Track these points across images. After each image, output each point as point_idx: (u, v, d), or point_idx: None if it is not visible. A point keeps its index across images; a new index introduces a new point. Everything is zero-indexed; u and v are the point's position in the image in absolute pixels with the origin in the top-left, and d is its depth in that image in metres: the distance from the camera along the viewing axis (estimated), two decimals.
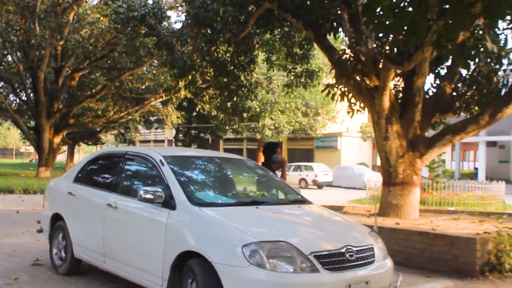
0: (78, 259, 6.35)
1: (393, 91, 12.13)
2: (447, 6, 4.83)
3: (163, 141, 62.33)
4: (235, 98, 20.48)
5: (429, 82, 11.99)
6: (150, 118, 38.95)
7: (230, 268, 4.09)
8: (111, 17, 19.95)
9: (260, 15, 14.07)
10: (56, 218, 6.83)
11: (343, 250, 4.32)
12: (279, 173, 8.06)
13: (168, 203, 4.90)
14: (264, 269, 3.99)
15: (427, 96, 11.79)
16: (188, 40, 18.80)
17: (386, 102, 10.48)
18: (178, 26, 21.72)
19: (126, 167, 5.99)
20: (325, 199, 22.10)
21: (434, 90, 11.93)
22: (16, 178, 27.09)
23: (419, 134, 10.89)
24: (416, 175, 10.73)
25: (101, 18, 24.29)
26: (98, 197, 5.99)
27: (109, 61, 25.60)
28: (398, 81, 12.56)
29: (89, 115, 29.98)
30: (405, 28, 4.90)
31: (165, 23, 21.87)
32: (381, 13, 4.93)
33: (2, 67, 27.56)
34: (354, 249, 4.41)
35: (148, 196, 4.91)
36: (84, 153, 78.20)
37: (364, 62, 10.55)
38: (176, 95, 26.30)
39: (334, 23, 12.36)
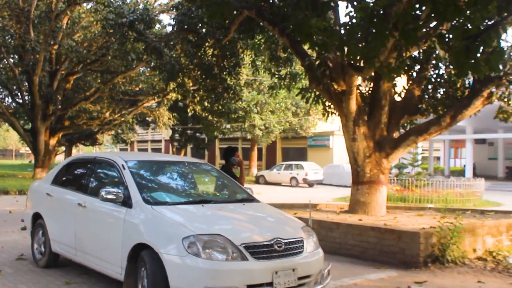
0: (55, 253, 7.07)
1: (364, 94, 12.80)
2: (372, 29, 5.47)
3: (160, 141, 63.06)
4: (221, 101, 21.15)
5: (402, 85, 12.54)
6: (147, 118, 39.56)
7: (173, 257, 4.79)
8: (101, 23, 20.58)
9: (242, 21, 14.59)
10: (37, 217, 7.56)
11: (272, 242, 5.00)
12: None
13: (126, 202, 5.61)
14: (200, 258, 4.70)
15: (399, 98, 12.39)
16: (176, 45, 19.46)
17: (353, 106, 11.10)
18: (170, 29, 22.25)
19: (94, 170, 6.74)
20: (311, 197, 22.62)
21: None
22: (13, 179, 27.77)
23: (385, 135, 11.49)
24: (383, 174, 11.34)
25: (94, 22, 24.88)
26: (71, 197, 6.73)
27: (101, 65, 26.23)
28: (367, 85, 13.19)
29: (84, 117, 30.63)
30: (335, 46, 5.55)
31: (157, 26, 22.54)
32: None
33: None
34: (283, 241, 5.09)
35: (109, 196, 5.63)
36: (83, 152, 78.88)
37: (331, 68, 11.20)
38: (167, 97, 26.96)
39: None
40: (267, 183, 35.00)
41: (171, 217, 5.22)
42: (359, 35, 5.73)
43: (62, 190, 7.09)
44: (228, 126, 37.18)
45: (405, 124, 12.82)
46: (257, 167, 43.01)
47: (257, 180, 36.10)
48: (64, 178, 7.38)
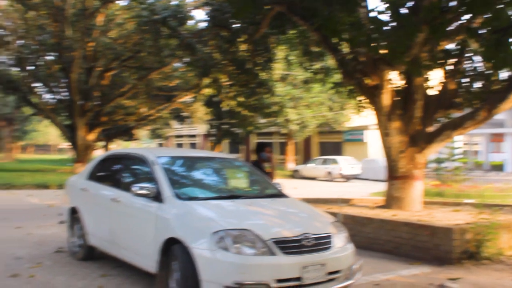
0: (91, 246, 7.26)
1: (397, 88, 12.64)
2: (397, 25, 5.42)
3: (195, 136, 63.52)
4: (255, 95, 21.21)
5: (437, 79, 12.35)
6: (182, 114, 39.90)
7: (202, 252, 4.86)
8: (135, 20, 20.86)
9: (274, 16, 14.57)
10: (74, 211, 7.77)
11: (300, 237, 5.02)
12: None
13: (158, 197, 5.71)
14: (229, 252, 4.76)
15: (435, 92, 12.21)
16: (208, 41, 19.58)
17: (386, 100, 11.01)
18: (203, 25, 22.36)
19: (127, 166, 6.89)
20: (347, 191, 22.61)
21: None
22: (53, 174, 28.46)
23: (420, 130, 11.34)
24: (417, 169, 11.20)
25: (128, 19, 25.19)
26: (105, 192, 6.89)
27: (136, 61, 26.56)
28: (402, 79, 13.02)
29: (121, 113, 31.06)
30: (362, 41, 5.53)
31: (190, 22, 22.69)
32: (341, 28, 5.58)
33: (38, 69, 28.86)
34: (312, 236, 5.11)
35: (141, 191, 5.75)
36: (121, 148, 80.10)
37: (363, 62, 11.13)
38: (201, 92, 27.16)
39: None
40: (303, 177, 34.93)
41: (201, 212, 5.30)
42: (386, 30, 5.69)
43: (97, 185, 7.26)
44: (264, 120, 37.18)
45: (440, 119, 12.63)
46: (293, 162, 42.93)
47: (293, 175, 36.08)
48: (98, 174, 7.55)
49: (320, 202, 12.37)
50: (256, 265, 4.73)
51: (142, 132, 54.70)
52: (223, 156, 7.53)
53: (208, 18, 18.63)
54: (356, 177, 33.29)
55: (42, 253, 7.98)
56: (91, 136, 28.17)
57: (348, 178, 32.81)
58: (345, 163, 33.15)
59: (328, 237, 5.31)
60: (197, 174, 6.75)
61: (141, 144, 75.19)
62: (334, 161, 33.65)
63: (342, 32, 5.84)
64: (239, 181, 7.02)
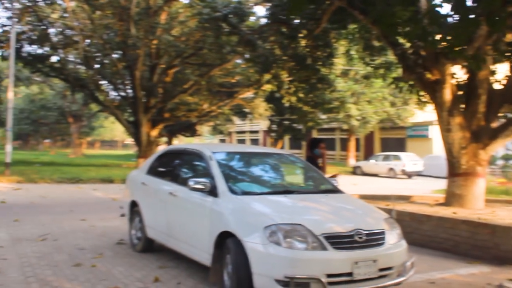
0: (150, 238, 7.49)
1: (459, 82, 12.32)
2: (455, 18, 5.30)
3: (258, 131, 63.90)
4: (315, 91, 21.18)
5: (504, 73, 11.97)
6: (244, 110, 40.22)
7: (255, 245, 4.94)
8: (197, 17, 21.22)
9: (334, 11, 14.50)
10: (134, 204, 8.04)
11: (352, 233, 5.02)
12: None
13: (213, 192, 5.84)
14: (281, 247, 4.81)
15: (500, 87, 11.85)
16: (269, 37, 19.70)
17: (447, 95, 10.78)
18: (264, 21, 22.49)
19: (184, 161, 7.08)
20: (409, 188, 22.25)
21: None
22: (117, 168, 29.37)
23: (483, 125, 11.04)
24: (480, 166, 10.92)
25: (191, 17, 25.61)
26: (163, 186, 7.09)
27: (198, 58, 26.96)
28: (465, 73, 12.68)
29: (183, 109, 31.61)
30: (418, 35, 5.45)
31: (251, 18, 22.89)
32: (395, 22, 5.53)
33: (104, 67, 29.80)
34: (364, 232, 5.10)
35: (197, 186, 5.89)
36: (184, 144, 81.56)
37: (424, 56, 10.92)
38: (262, 88, 27.31)
39: None
40: (364, 174, 34.56)
41: (254, 207, 5.38)
42: (445, 24, 5.58)
43: (156, 180, 7.47)
44: (324, 116, 37.00)
45: (506, 114, 12.23)
46: (354, 158, 42.50)
47: (354, 171, 35.74)
48: (157, 168, 7.77)
49: (378, 199, 12.25)
50: (307, 259, 4.77)
51: (204, 128, 55.43)
52: (278, 151, 7.59)
53: (268, 14, 18.76)
54: (418, 174, 32.61)
55: (104, 244, 8.31)
56: (154, 132, 28.82)
57: (410, 175, 32.19)
58: (407, 160, 32.54)
59: (381, 233, 5.28)
60: (252, 170, 6.85)
61: (204, 140, 76.31)
62: (397, 158, 33.10)
63: (398, 26, 5.77)
64: (294, 177, 7.06)
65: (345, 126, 38.80)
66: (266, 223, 4.97)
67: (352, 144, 42.30)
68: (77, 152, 52.57)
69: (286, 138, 50.64)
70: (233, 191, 5.72)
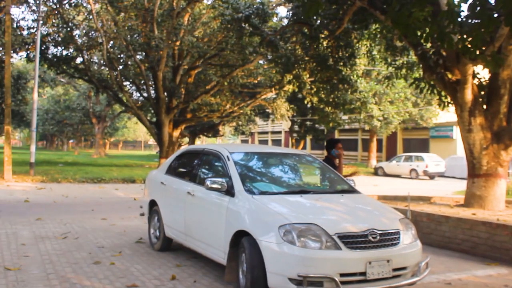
0: (168, 237, 7.58)
1: (481, 83, 12.19)
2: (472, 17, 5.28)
3: (280, 132, 63.94)
4: (336, 92, 21.14)
5: None
6: (267, 110, 40.29)
7: (269, 244, 5.00)
8: (219, 18, 21.35)
9: (355, 12, 14.49)
10: (153, 204, 8.15)
11: (366, 233, 5.05)
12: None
13: (229, 191, 5.92)
14: (295, 246, 4.87)
15: None
16: (291, 38, 19.72)
17: (468, 95, 10.70)
18: (286, 22, 22.53)
19: (202, 161, 7.16)
20: (430, 189, 22.08)
21: None
22: (139, 169, 29.69)
23: (504, 126, 10.93)
24: (501, 167, 10.82)
25: (213, 18, 25.78)
26: (181, 186, 7.19)
27: (220, 59, 27.09)
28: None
29: (205, 110, 31.78)
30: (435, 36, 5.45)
31: (274, 19, 22.95)
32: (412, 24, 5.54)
33: (128, 68, 30.14)
34: (378, 232, 5.12)
35: (214, 185, 5.98)
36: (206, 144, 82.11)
37: (445, 56, 10.85)
38: (283, 89, 27.34)
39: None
40: (386, 174, 34.37)
41: (269, 206, 5.42)
42: (462, 24, 5.56)
43: (174, 180, 7.57)
44: (345, 117, 36.89)
45: None
46: (376, 159, 42.27)
47: (375, 172, 35.57)
48: (176, 168, 7.88)
49: (399, 200, 12.23)
50: (321, 258, 4.81)
51: (227, 129, 55.66)
52: (295, 152, 7.62)
53: (290, 15, 18.80)
54: (441, 175, 32.32)
55: (124, 243, 8.43)
56: (176, 133, 29.05)
57: (432, 176, 31.95)
58: (430, 161, 32.27)
59: (395, 233, 5.29)
60: (269, 170, 6.90)
61: (226, 140, 76.65)
62: (419, 158, 32.87)
63: (414, 27, 5.78)
64: (310, 177, 7.09)
65: (367, 127, 38.59)
66: (281, 222, 5.03)
67: (373, 145, 42.06)
68: (100, 153, 53.18)
69: (308, 139, 50.60)
70: (249, 191, 5.79)
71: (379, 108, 34.10)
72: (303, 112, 41.14)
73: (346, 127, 44.52)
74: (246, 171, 6.34)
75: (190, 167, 7.48)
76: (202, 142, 76.48)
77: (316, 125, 42.22)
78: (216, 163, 6.76)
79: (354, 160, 50.88)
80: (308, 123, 42.65)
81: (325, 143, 9.23)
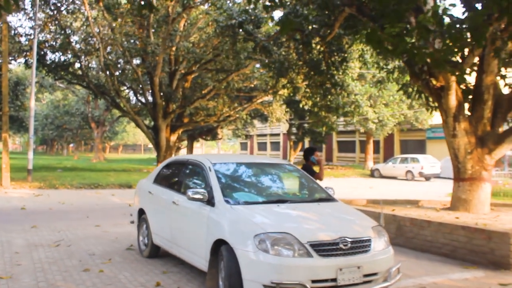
0: (156, 245, 7.86)
1: (468, 87, 12.43)
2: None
3: (278, 135, 64.19)
4: (329, 96, 21.39)
5: None
6: (263, 114, 40.58)
7: (245, 253, 5.27)
8: (213, 24, 21.63)
9: (346, 18, 14.74)
10: (142, 212, 8.45)
11: (337, 241, 5.30)
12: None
13: (210, 201, 6.18)
14: (269, 254, 5.13)
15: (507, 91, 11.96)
16: (284, 43, 19.98)
17: (453, 101, 10.95)
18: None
19: (186, 171, 7.45)
20: (424, 191, 22.32)
21: None
22: (137, 173, 29.91)
23: (488, 130, 11.17)
24: (486, 171, 11.06)
25: (209, 23, 26.04)
26: (167, 195, 7.47)
27: (216, 64, 27.36)
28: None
29: (202, 114, 32.06)
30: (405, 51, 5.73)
31: (269, 23, 23.18)
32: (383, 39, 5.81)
33: (125, 73, 30.41)
34: (349, 240, 5.38)
35: (196, 196, 6.25)
36: (206, 147, 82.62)
37: (430, 63, 11.10)
38: (278, 93, 27.62)
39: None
40: (382, 176, 34.60)
41: (247, 216, 5.69)
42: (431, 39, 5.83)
43: (161, 189, 7.86)
44: (341, 119, 37.12)
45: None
46: (373, 160, 42.50)
47: (372, 174, 35.81)
48: (162, 178, 8.18)
49: (388, 203, 12.45)
50: (293, 266, 5.06)
51: (226, 132, 55.91)
52: (276, 161, 7.91)
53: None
54: (436, 176, 32.56)
55: (114, 250, 8.70)
56: (173, 137, 29.30)
57: (428, 177, 32.18)
58: (425, 162, 32.51)
59: (367, 241, 5.55)
60: (249, 180, 7.17)
61: (226, 143, 76.92)
62: (414, 160, 33.10)
63: (386, 42, 6.08)
64: (290, 186, 7.35)
65: (362, 129, 38.84)
66: (256, 232, 5.28)
67: (370, 147, 42.29)
68: (99, 157, 53.44)
69: (306, 141, 50.84)
70: (228, 201, 6.05)
71: (374, 110, 34.34)
72: (301, 115, 41.41)
73: (342, 129, 44.76)
74: (227, 181, 6.60)
75: (175, 177, 7.78)
76: (202, 146, 76.87)
77: (314, 128, 42.48)
78: (199, 174, 7.02)
79: (352, 162, 51.13)
80: (306, 125, 42.92)
81: (303, 153, 9.52)
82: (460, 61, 10.62)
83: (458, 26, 5.82)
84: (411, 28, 6.07)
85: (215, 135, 47.88)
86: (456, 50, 6.10)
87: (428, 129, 40.64)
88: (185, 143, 48.06)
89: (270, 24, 23.78)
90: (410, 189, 24.38)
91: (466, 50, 9.94)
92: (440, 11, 5.83)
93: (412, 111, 36.39)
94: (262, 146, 69.09)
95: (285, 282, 4.98)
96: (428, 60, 6.29)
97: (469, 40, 6.02)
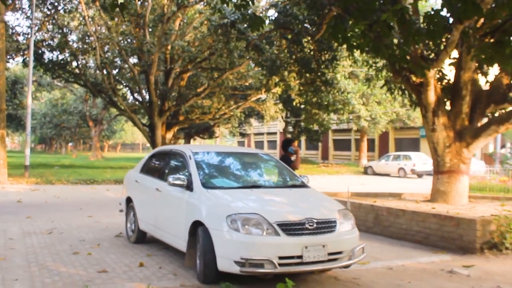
0: (142, 230, 8.34)
1: (449, 83, 12.84)
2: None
3: (275, 133, 64.63)
4: (320, 93, 21.86)
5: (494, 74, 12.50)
6: (258, 112, 41.01)
7: (218, 232, 5.74)
8: (207, 23, 22.07)
9: (334, 17, 15.12)
10: (129, 200, 8.94)
11: (303, 221, 5.76)
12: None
13: (189, 186, 6.64)
14: (239, 233, 5.59)
15: (486, 87, 12.38)
16: (275, 42, 20.43)
17: (432, 97, 11.39)
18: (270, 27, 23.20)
19: (169, 160, 7.93)
20: (413, 187, 22.74)
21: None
22: None
23: (466, 125, 11.61)
24: (464, 164, 11.49)
25: (205, 22, 26.47)
26: (151, 183, 7.95)
27: (210, 63, 27.81)
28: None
29: (197, 112, 32.52)
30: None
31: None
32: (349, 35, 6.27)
33: (121, 72, 30.85)
34: (315, 220, 5.84)
35: (176, 182, 6.73)
36: None
37: (409, 60, 11.53)
38: (271, 91, 28.07)
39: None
40: (375, 173, 35.04)
41: (221, 199, 6.17)
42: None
43: (146, 177, 8.34)
44: (334, 118, 37.56)
45: (491, 114, 12.74)
46: (367, 158, 42.96)
47: (365, 171, 36.24)
48: (148, 167, 8.67)
49: (371, 196, 12.90)
50: (262, 244, 5.53)
51: (224, 130, 56.33)
52: (253, 151, 8.42)
53: (272, 20, 19.51)
54: (428, 173, 32.94)
55: (104, 237, 9.16)
56: (169, 135, 29.76)
57: (420, 174, 32.58)
58: (417, 159, 32.93)
59: (332, 222, 6.00)
60: (227, 167, 7.63)
61: (224, 141, 77.34)
62: (407, 157, 33.53)
63: (351, 39, 6.56)
64: (265, 173, 7.80)
65: (355, 127, 39.29)
66: (228, 212, 5.75)
67: (364, 145, 42.74)
68: (97, 155, 53.86)
69: (303, 139, 51.32)
70: (206, 186, 6.51)
71: (367, 108, 34.78)
72: (296, 113, 41.84)
73: (340, 127, 45.21)
74: (205, 169, 7.07)
75: (159, 165, 8.26)
76: (200, 144, 77.23)
77: (310, 126, 42.98)
78: (180, 162, 7.50)
79: (348, 160, 51.58)
80: (302, 124, 43.34)
81: (281, 145, 10.01)
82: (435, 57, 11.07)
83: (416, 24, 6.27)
84: (375, 25, 6.49)
85: (212, 134, 48.31)
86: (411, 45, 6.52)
87: (421, 127, 41.06)
88: (182, 141, 48.51)
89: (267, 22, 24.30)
90: (402, 185, 24.80)
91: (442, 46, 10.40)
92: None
93: (404, 109, 36.83)
94: (259, 145, 69.52)
95: (254, 258, 5.43)
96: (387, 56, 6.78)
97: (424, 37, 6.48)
